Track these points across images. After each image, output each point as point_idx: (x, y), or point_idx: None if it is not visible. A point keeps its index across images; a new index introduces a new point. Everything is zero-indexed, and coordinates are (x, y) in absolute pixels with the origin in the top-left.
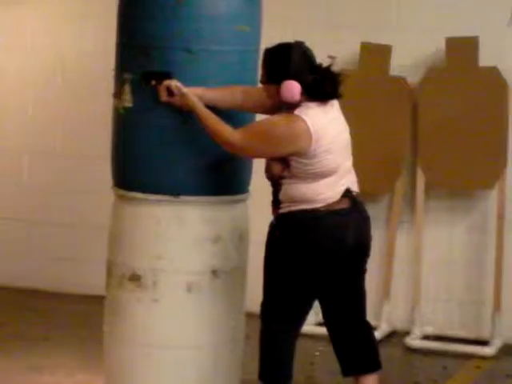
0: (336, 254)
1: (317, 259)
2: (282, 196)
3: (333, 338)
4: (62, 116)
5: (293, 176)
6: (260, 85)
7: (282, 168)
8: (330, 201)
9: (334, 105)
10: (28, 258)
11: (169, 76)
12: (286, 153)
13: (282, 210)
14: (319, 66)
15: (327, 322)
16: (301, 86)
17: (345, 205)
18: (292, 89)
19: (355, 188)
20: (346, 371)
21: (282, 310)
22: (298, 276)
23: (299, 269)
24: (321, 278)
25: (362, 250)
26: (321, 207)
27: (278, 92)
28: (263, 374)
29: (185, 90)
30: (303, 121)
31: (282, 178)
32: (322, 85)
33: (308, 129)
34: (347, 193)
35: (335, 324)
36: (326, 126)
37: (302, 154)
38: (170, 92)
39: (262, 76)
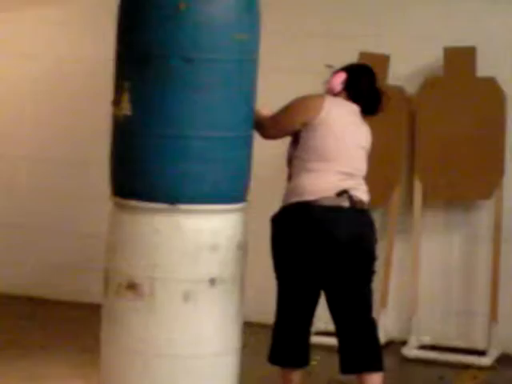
0: (327, 248)
1: (306, 251)
2: (285, 190)
3: (337, 334)
4: (61, 123)
5: (297, 157)
6: None
7: (295, 148)
8: (324, 194)
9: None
10: (25, 265)
11: None
12: (299, 120)
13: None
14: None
15: (332, 316)
16: (354, 97)
17: (339, 203)
18: (338, 77)
19: (358, 194)
20: (345, 369)
21: (287, 298)
22: (294, 267)
23: (293, 260)
24: (315, 269)
25: (359, 248)
26: (312, 200)
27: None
28: (272, 356)
29: None
30: (322, 98)
31: (295, 158)
32: (370, 103)
33: (322, 103)
34: (345, 193)
35: (337, 319)
36: (342, 115)
37: (310, 122)
38: None
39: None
